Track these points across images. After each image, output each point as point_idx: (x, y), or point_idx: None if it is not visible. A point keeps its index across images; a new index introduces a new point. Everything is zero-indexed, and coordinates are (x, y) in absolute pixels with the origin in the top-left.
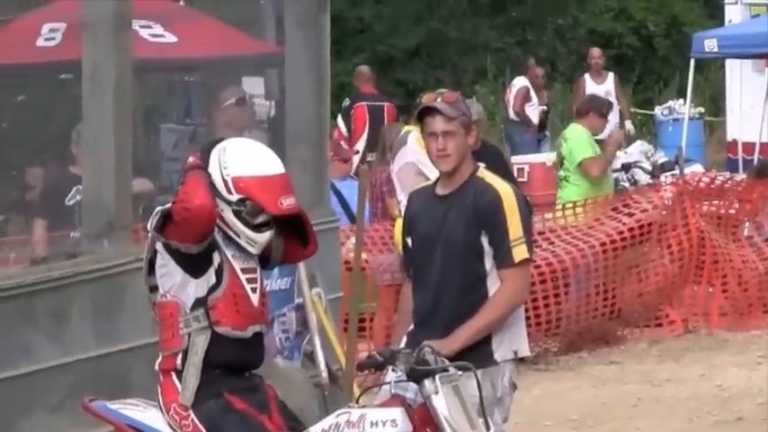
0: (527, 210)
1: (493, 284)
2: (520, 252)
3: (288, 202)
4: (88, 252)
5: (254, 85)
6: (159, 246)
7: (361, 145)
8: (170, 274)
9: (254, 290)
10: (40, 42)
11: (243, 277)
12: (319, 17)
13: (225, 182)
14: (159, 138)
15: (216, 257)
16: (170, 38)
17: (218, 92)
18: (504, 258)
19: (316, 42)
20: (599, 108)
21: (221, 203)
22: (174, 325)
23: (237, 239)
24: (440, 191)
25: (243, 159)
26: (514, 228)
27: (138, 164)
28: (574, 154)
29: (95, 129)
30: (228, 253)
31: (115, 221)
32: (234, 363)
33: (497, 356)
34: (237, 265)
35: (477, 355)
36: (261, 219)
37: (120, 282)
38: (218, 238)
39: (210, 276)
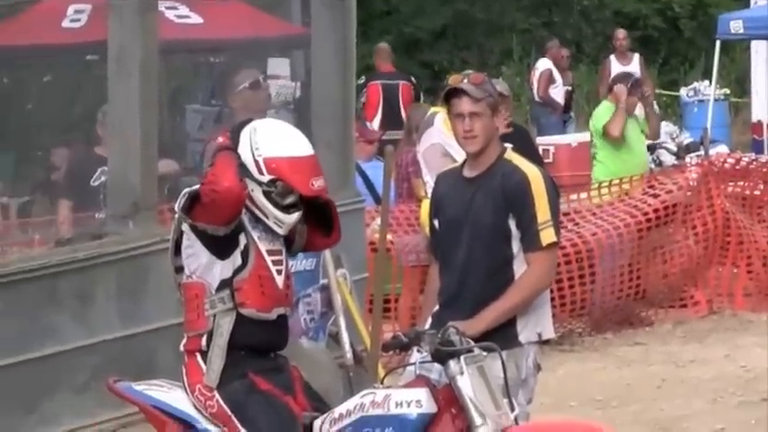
0: (554, 193)
1: (519, 267)
2: (547, 236)
3: (318, 184)
4: (113, 233)
5: (280, 66)
6: (186, 227)
7: (376, 124)
8: (196, 255)
9: (279, 272)
10: (66, 23)
11: (269, 259)
12: None
13: (256, 162)
14: (185, 119)
15: (242, 239)
16: (196, 19)
17: (232, 76)
18: (531, 242)
19: (342, 24)
20: (623, 81)
21: (251, 184)
22: (200, 306)
23: (266, 220)
24: (467, 173)
25: (274, 140)
26: (542, 211)
27: (164, 145)
28: (596, 125)
29: (121, 110)
30: (255, 234)
31: (141, 202)
32: (259, 344)
33: (522, 338)
34: (263, 247)
35: (501, 336)
36: (290, 200)
37: (144, 263)
38: (245, 219)
39: (236, 258)
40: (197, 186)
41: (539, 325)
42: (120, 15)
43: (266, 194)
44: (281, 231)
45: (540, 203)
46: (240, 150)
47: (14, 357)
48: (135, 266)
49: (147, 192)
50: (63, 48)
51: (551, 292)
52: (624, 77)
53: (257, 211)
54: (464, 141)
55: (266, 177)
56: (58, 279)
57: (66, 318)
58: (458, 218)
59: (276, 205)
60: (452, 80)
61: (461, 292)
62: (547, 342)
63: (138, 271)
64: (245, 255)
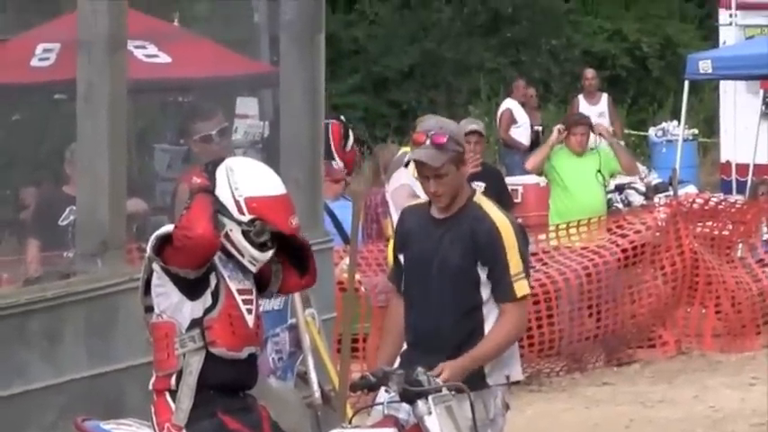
0: (525, 242)
1: (489, 312)
2: (521, 287)
3: (295, 222)
4: (82, 272)
5: (248, 105)
6: (156, 266)
7: None
8: (167, 295)
9: (249, 311)
10: (35, 62)
11: (239, 298)
12: (314, 37)
13: (237, 202)
14: (153, 158)
15: (212, 279)
16: (164, 58)
17: (195, 119)
18: (505, 293)
19: (310, 63)
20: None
21: (230, 223)
22: (170, 345)
23: (240, 258)
24: (436, 213)
25: (252, 180)
26: (514, 262)
27: (132, 184)
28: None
29: (90, 148)
30: (225, 273)
31: (109, 241)
32: (229, 383)
33: (490, 381)
34: (234, 286)
35: (469, 378)
36: (264, 238)
37: (113, 302)
38: (216, 258)
39: (207, 298)
40: (169, 228)
41: (507, 367)
42: (88, 54)
43: (244, 234)
44: (253, 269)
45: (512, 254)
46: (218, 191)
47: None
48: (104, 305)
49: (116, 230)
50: (31, 86)
51: None
52: (576, 117)
53: (233, 250)
54: (432, 199)
55: (247, 217)
56: (27, 318)
57: (35, 357)
58: (425, 257)
59: (252, 244)
60: (416, 138)
61: (434, 335)
62: (516, 383)
63: (106, 310)
64: (215, 294)
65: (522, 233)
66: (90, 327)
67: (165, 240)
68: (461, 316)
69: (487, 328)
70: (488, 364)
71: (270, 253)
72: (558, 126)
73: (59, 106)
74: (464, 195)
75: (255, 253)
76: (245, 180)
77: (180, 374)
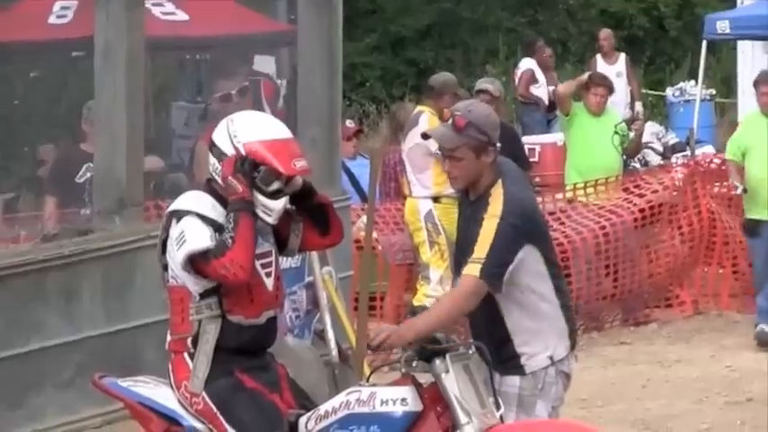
0: (505, 238)
1: (501, 297)
2: (471, 268)
3: (300, 164)
4: (99, 229)
5: (265, 64)
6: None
7: None
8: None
9: (268, 274)
10: (52, 20)
11: (257, 263)
12: None
13: (236, 149)
14: (170, 116)
15: None
16: (181, 16)
17: (218, 77)
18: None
19: (328, 22)
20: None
21: None
22: (185, 310)
23: (254, 209)
24: (470, 195)
25: (252, 126)
26: (481, 248)
27: (149, 141)
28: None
29: (107, 105)
30: None
31: (127, 198)
32: (246, 347)
33: (528, 369)
34: None
35: (507, 366)
36: (275, 186)
37: (130, 259)
38: None
39: None
40: (204, 242)
41: (548, 349)
42: (106, 11)
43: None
44: (270, 220)
45: (483, 242)
46: (218, 141)
47: None
48: (121, 262)
49: (134, 187)
50: (49, 44)
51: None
52: (598, 77)
53: None
54: (449, 179)
55: (248, 162)
56: (44, 275)
57: (52, 313)
58: (459, 234)
59: (262, 192)
60: (445, 114)
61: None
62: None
63: (123, 267)
64: None
65: (510, 229)
66: (107, 284)
67: (201, 255)
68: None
69: (503, 310)
70: (524, 354)
71: (283, 201)
72: (589, 73)
73: (77, 63)
74: (486, 181)
75: (266, 201)
76: (244, 127)
77: (195, 339)
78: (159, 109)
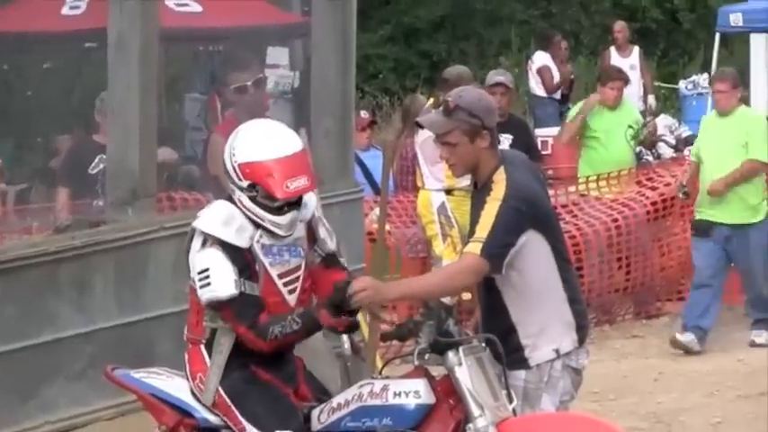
0: (507, 220)
1: (502, 284)
2: (472, 247)
3: (295, 185)
4: (112, 220)
5: (279, 56)
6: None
7: None
8: None
9: (291, 291)
10: (66, 11)
11: (279, 283)
12: None
13: (234, 168)
14: (183, 107)
15: (255, 268)
16: (195, 7)
17: (233, 69)
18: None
19: (342, 13)
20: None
21: (237, 191)
22: (200, 313)
23: (263, 224)
24: (477, 184)
25: (250, 144)
26: (482, 227)
27: (162, 133)
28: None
29: (121, 96)
30: (266, 261)
31: (140, 189)
32: (262, 355)
33: (532, 361)
34: (275, 272)
35: (510, 358)
36: (278, 202)
37: (143, 250)
38: (257, 247)
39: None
40: (229, 294)
41: (554, 341)
42: (119, 2)
43: (252, 199)
44: (281, 232)
45: (485, 223)
46: (224, 153)
47: (12, 344)
48: (134, 254)
49: (147, 179)
50: (62, 35)
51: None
52: (612, 72)
53: (253, 217)
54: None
55: (245, 182)
56: (57, 266)
57: (65, 305)
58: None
59: (266, 209)
60: (433, 102)
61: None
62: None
63: (136, 258)
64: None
65: (514, 215)
66: (120, 275)
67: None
68: (482, 286)
69: (506, 300)
70: (528, 347)
71: (291, 214)
72: (593, 95)
73: (90, 55)
74: (488, 167)
75: (272, 217)
76: (243, 145)
77: (209, 343)
78: (172, 101)
